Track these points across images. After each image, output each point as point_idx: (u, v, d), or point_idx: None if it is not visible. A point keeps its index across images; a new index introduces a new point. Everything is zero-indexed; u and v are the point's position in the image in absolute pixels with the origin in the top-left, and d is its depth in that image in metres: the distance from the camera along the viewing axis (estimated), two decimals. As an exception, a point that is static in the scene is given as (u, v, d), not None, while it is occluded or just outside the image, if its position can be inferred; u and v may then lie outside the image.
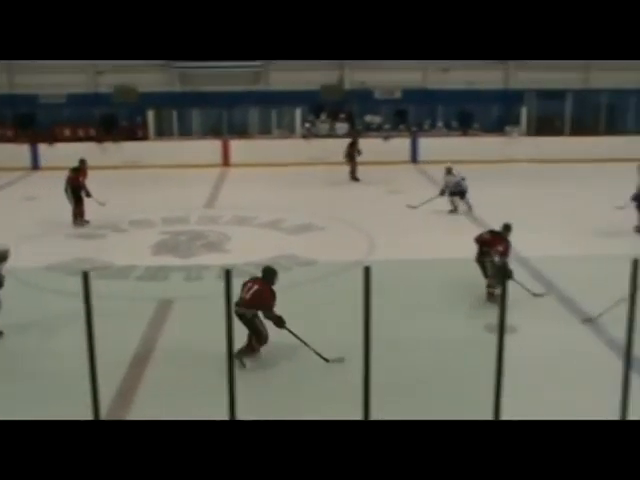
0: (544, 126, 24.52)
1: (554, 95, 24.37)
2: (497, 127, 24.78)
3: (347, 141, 20.75)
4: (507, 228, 11.01)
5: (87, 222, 15.15)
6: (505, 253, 10.61)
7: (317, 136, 23.75)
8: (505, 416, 3.24)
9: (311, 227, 14.98)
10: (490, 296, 10.76)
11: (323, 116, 24.41)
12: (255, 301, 8.33)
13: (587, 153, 22.63)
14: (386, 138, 23.36)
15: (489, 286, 10.77)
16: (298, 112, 23.96)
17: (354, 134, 21.65)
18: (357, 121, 24.55)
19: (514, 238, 10.79)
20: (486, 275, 10.83)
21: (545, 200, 17.21)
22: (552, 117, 24.85)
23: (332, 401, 7.24)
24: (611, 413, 3.77)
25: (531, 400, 7.10)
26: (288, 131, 24.25)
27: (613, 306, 8.65)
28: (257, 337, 8.45)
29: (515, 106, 24.67)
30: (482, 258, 10.82)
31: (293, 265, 12.17)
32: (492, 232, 11.12)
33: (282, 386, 7.98)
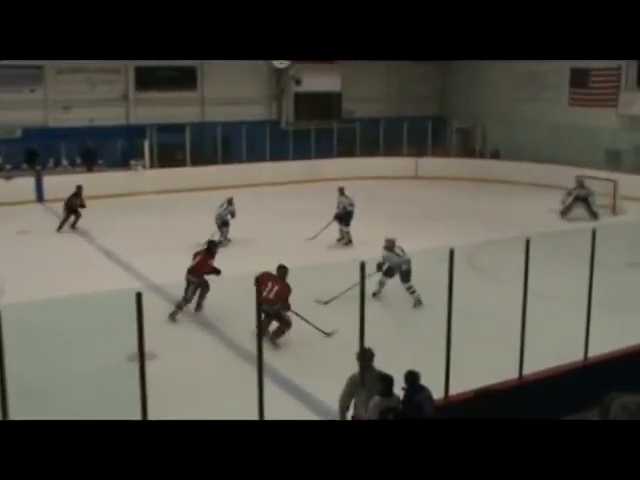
0: (167, 158, 25.38)
1: (174, 128, 25.22)
2: (122, 161, 25.20)
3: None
4: (212, 243, 12.84)
5: None
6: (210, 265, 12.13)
7: None
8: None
9: None
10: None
11: None
12: (279, 299, 10.57)
13: (206, 181, 24.30)
14: (8, 178, 22.69)
15: (198, 305, 12.18)
16: None
17: (79, 185, 19.48)
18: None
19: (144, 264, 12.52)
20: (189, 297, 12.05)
21: (170, 228, 18.23)
22: (174, 149, 25.70)
23: None
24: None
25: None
26: None
27: (342, 293, 11.40)
28: (285, 324, 10.79)
29: (138, 140, 25.24)
30: (195, 280, 12.02)
31: None
32: (198, 253, 12.46)
33: None
